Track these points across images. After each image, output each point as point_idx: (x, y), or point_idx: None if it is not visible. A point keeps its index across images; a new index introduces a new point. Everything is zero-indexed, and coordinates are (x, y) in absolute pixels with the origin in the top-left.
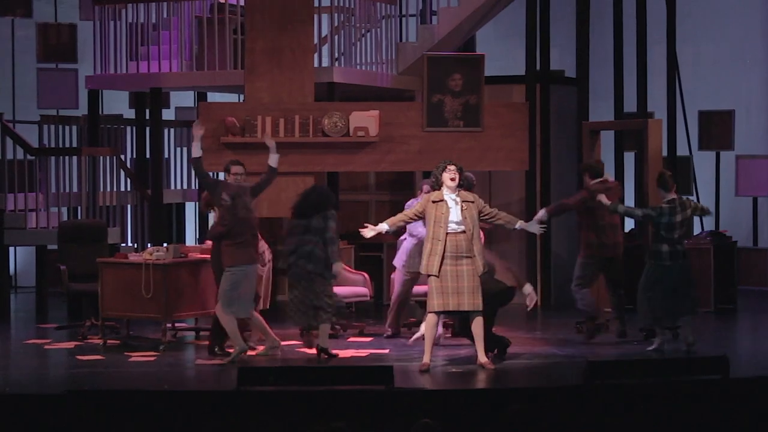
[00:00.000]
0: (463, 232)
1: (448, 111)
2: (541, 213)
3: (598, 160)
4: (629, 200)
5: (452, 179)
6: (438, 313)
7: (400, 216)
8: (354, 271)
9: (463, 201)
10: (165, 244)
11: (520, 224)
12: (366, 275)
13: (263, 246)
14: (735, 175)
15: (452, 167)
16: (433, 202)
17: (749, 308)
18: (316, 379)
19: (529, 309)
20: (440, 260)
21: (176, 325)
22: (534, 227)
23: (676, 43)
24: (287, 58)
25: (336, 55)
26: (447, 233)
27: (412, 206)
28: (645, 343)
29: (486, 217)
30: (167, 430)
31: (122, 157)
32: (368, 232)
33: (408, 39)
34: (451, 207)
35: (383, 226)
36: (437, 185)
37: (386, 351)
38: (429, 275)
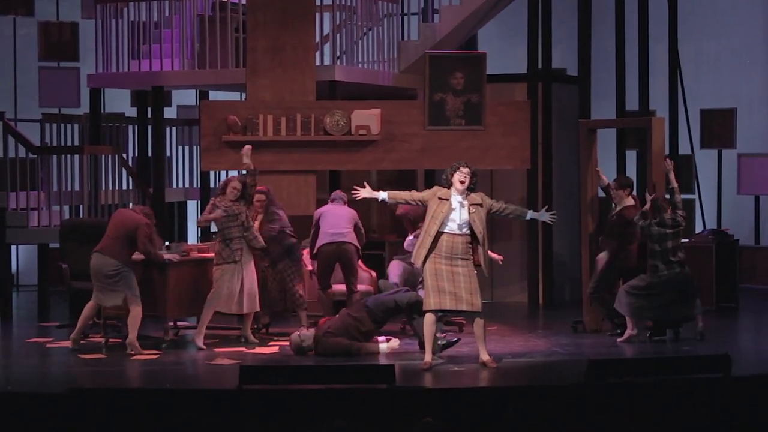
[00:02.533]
0: (462, 234)
1: (449, 109)
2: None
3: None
4: None
5: (461, 182)
6: (435, 312)
7: (403, 193)
8: (365, 268)
9: (470, 204)
10: (167, 243)
11: (530, 214)
12: (374, 273)
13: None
14: (737, 174)
15: (465, 170)
16: (439, 198)
17: (751, 307)
18: (318, 378)
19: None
20: (426, 254)
21: (178, 323)
22: (544, 216)
23: (677, 41)
24: (289, 57)
25: (338, 53)
26: (441, 232)
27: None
28: (648, 342)
29: (496, 212)
30: (169, 429)
31: (124, 155)
32: (363, 192)
33: (410, 37)
34: (455, 208)
35: (381, 194)
36: (448, 184)
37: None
38: (423, 269)
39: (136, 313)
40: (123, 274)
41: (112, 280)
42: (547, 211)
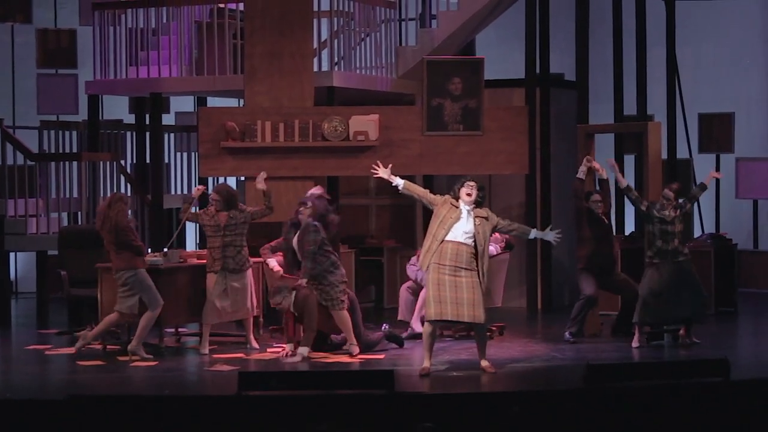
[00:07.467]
0: (466, 244)
1: (447, 115)
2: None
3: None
4: (628, 203)
5: (468, 194)
6: (434, 322)
7: (418, 189)
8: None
9: (476, 217)
10: (165, 249)
11: (534, 233)
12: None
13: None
14: (735, 178)
15: (471, 183)
16: (451, 204)
17: (750, 311)
18: (317, 384)
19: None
20: (431, 258)
21: (179, 330)
22: (549, 236)
23: (675, 45)
24: (287, 63)
25: (335, 59)
26: (447, 239)
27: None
28: (646, 346)
29: (502, 229)
30: None
31: (122, 162)
32: (382, 172)
33: (407, 43)
34: (463, 217)
35: (398, 180)
36: (456, 197)
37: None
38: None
39: (149, 317)
40: (130, 280)
41: (124, 288)
42: (551, 230)
